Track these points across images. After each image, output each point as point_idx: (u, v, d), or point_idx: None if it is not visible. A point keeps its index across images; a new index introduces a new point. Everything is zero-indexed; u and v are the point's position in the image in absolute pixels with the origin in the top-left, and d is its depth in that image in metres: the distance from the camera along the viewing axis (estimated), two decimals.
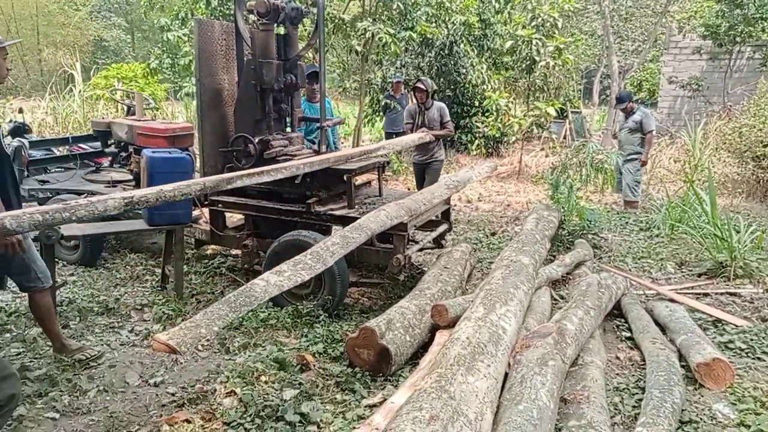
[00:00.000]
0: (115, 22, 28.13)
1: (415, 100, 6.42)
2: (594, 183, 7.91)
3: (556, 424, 2.48)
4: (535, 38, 9.36)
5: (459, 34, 11.27)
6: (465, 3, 11.10)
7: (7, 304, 3.96)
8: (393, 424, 2.15)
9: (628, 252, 5.34)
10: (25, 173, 5.81)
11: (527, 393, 2.49)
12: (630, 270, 4.86)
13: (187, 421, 2.55)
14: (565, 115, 13.31)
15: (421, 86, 6.21)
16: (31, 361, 3.15)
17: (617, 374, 3.20)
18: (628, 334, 3.64)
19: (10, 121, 7.58)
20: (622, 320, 3.85)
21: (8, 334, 3.52)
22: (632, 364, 3.31)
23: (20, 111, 7.52)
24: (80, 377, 2.98)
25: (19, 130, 6.53)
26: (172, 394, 2.89)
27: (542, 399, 2.47)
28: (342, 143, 10.18)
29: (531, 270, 3.69)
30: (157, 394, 2.90)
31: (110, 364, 3.14)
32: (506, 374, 2.73)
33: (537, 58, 9.42)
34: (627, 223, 6.40)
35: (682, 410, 2.71)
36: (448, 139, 7.20)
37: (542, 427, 2.33)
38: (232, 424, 2.56)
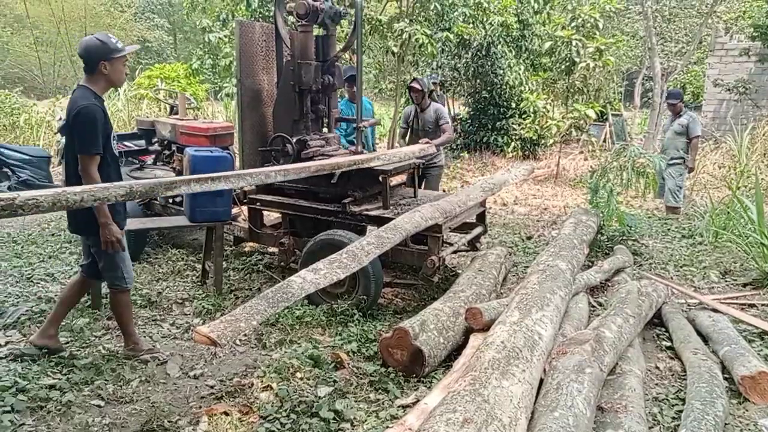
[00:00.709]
0: (157, 24, 28.85)
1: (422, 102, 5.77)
2: (635, 188, 7.73)
3: None
4: (575, 39, 9.22)
5: (497, 35, 11.17)
6: (503, 3, 11.00)
7: (56, 295, 4.12)
8: (426, 425, 2.16)
9: (669, 259, 5.20)
10: None
11: (563, 400, 2.46)
12: (671, 278, 4.74)
13: (226, 413, 2.61)
14: (605, 117, 13.04)
15: (416, 86, 5.64)
16: (78, 350, 3.28)
17: (656, 384, 3.13)
18: (669, 344, 3.55)
19: (60, 118, 7.88)
20: (663, 329, 3.76)
21: None
22: (672, 375, 3.23)
23: None
24: (124, 367, 3.09)
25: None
26: (211, 387, 2.96)
27: (578, 406, 2.43)
28: (378, 144, 10.22)
29: (568, 275, 3.65)
30: (196, 386, 2.98)
31: (153, 356, 3.24)
32: (541, 381, 2.70)
33: (576, 60, 9.27)
34: (669, 229, 6.24)
35: (725, 424, 2.63)
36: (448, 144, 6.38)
37: None
38: (268, 418, 2.62)
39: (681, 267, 5.03)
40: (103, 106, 3.04)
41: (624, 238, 5.37)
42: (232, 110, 11.22)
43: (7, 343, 3.42)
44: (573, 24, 9.51)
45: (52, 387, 2.85)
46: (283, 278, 4.49)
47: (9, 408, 2.65)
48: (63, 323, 3.65)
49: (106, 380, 2.96)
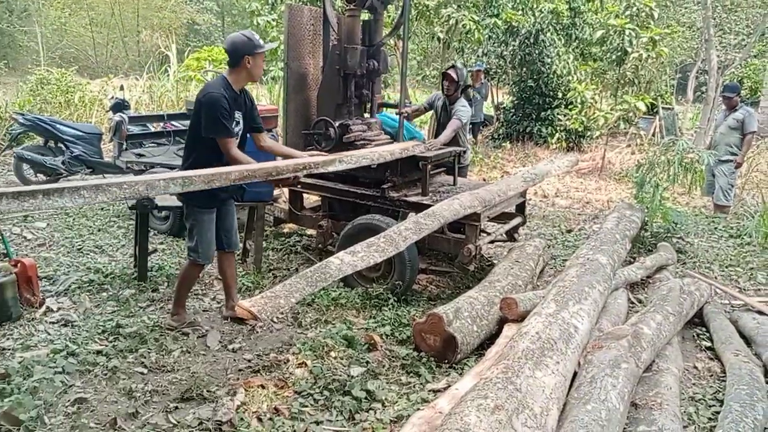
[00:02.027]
0: (206, 6, 29.34)
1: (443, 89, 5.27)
2: (683, 184, 7.48)
3: (624, 428, 2.42)
4: (629, 29, 8.91)
5: (546, 22, 10.90)
6: None
7: (104, 266, 4.31)
8: (457, 408, 2.17)
9: (715, 259, 5.03)
10: (124, 146, 6.27)
11: (596, 393, 2.45)
12: (716, 278, 4.59)
13: (262, 386, 2.70)
14: (655, 110, 12.60)
15: (452, 74, 5.10)
16: (123, 319, 3.43)
17: (694, 384, 3.06)
18: (709, 344, 3.46)
19: (112, 97, 8.17)
20: (703, 329, 3.67)
21: (105, 294, 3.85)
22: (711, 375, 3.15)
23: (121, 88, 8.09)
24: (166, 338, 3.22)
25: (119, 106, 7.05)
26: (248, 361, 3.06)
27: (612, 401, 2.41)
28: (422, 131, 10.16)
29: (608, 270, 3.58)
30: (234, 359, 3.09)
31: (195, 328, 3.36)
32: (575, 375, 2.68)
33: (629, 50, 8.98)
34: (716, 228, 6.02)
35: (765, 429, 2.55)
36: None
37: (610, 428, 2.28)
38: (302, 393, 2.69)
39: (726, 267, 4.87)
40: (230, 96, 3.20)
41: (668, 235, 5.22)
42: (275, 93, 11.35)
43: (58, 309, 3.61)
44: (627, 13, 9.20)
45: (99, 353, 3.00)
46: (320, 260, 4.54)
47: (60, 369, 2.81)
48: (111, 293, 3.83)
49: (149, 349, 3.09)
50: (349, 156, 3.80)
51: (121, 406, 2.60)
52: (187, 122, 6.68)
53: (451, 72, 5.17)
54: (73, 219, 5.58)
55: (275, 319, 3.61)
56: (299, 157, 3.50)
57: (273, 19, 9.08)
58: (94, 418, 2.51)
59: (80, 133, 7.19)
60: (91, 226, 5.37)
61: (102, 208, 6.02)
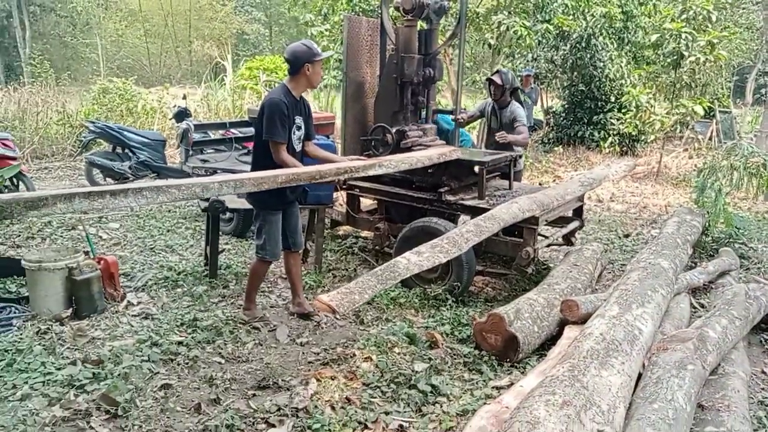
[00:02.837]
0: (255, 17, 30.19)
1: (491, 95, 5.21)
2: (746, 190, 7.25)
3: (691, 429, 2.43)
4: (685, 32, 8.72)
5: (598, 26, 10.76)
6: None
7: (176, 264, 4.57)
8: (526, 403, 2.25)
9: None
10: (190, 152, 6.59)
11: (662, 393, 2.47)
12: None
13: (332, 377, 2.84)
14: (712, 114, 12.23)
15: (497, 80, 5.04)
16: (199, 313, 3.64)
17: (762, 389, 3.03)
18: None
19: (174, 106, 8.57)
20: None
21: (179, 290, 4.09)
22: None
23: (183, 97, 8.49)
24: (240, 330, 3.41)
25: (182, 114, 7.41)
26: (316, 354, 3.21)
27: (678, 401, 2.43)
28: (472, 135, 10.20)
29: (670, 274, 3.57)
30: (303, 352, 3.24)
31: (265, 323, 3.55)
32: (639, 376, 2.70)
33: (685, 53, 8.78)
34: None
35: None
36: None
37: (677, 427, 2.30)
38: (370, 386, 2.82)
39: None
40: (290, 102, 3.38)
41: (731, 240, 5.11)
42: (329, 101, 11.62)
43: (138, 303, 3.87)
44: (683, 16, 9.00)
45: (180, 343, 3.21)
46: (377, 262, 4.72)
47: (146, 358, 3.03)
48: (185, 289, 4.07)
49: (225, 341, 3.28)
50: (389, 160, 3.92)
51: (203, 393, 2.79)
52: (247, 129, 7.03)
53: (495, 77, 5.12)
54: (144, 220, 5.90)
55: (338, 317, 3.75)
56: (339, 162, 3.64)
57: (326, 29, 9.33)
58: (180, 402, 2.70)
59: (146, 140, 7.59)
60: (160, 227, 5.68)
61: (169, 210, 6.35)
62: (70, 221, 5.55)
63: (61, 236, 5.26)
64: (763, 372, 3.18)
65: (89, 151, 8.03)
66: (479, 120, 5.99)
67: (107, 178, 7.44)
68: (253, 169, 3.40)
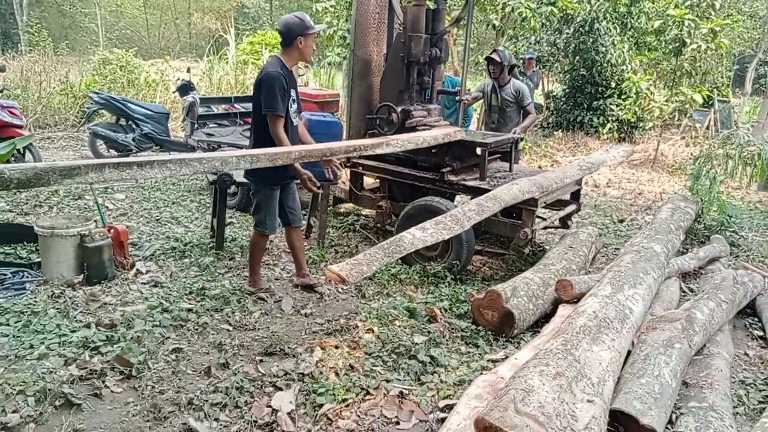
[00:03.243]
0: None
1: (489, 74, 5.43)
2: (740, 179, 7.38)
3: (675, 403, 2.58)
4: (688, 19, 8.75)
5: (602, 10, 10.77)
6: None
7: (182, 236, 4.67)
8: (521, 373, 2.39)
9: None
10: (195, 126, 6.65)
11: (650, 369, 2.62)
12: None
13: (336, 346, 2.98)
14: (710, 103, 12.31)
15: (496, 57, 5.27)
16: (207, 282, 3.76)
17: (744, 369, 3.18)
18: (761, 333, 3.56)
19: (178, 79, 8.58)
20: (755, 319, 3.76)
21: (187, 260, 4.21)
22: (762, 363, 3.26)
23: (188, 70, 8.49)
24: (247, 300, 3.54)
25: (186, 87, 7.43)
26: (320, 324, 3.34)
27: (665, 376, 2.58)
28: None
29: (662, 258, 3.70)
30: (307, 323, 3.38)
31: (270, 294, 3.68)
32: (628, 353, 2.85)
33: (687, 41, 8.82)
34: None
35: None
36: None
37: (662, 401, 2.45)
38: (372, 355, 2.96)
39: None
40: (286, 75, 3.41)
41: (722, 228, 5.25)
42: (331, 78, 11.60)
43: (147, 271, 3.98)
44: (686, 3, 9.03)
45: (189, 310, 3.34)
46: (378, 239, 4.83)
47: (157, 323, 3.15)
48: (192, 260, 4.18)
49: (232, 310, 3.41)
50: (396, 139, 4.01)
51: (213, 357, 2.92)
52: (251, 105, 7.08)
53: (494, 55, 5.30)
54: (149, 192, 5.99)
55: (340, 290, 3.88)
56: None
57: (330, 6, 9.31)
58: (191, 366, 2.83)
59: (149, 112, 7.62)
60: (165, 200, 5.77)
61: (174, 183, 6.43)
62: (77, 191, 5.64)
63: (68, 205, 5.35)
64: (746, 354, 3.33)
65: (92, 122, 8.06)
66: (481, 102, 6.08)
67: (110, 150, 7.49)
68: (255, 145, 3.46)
